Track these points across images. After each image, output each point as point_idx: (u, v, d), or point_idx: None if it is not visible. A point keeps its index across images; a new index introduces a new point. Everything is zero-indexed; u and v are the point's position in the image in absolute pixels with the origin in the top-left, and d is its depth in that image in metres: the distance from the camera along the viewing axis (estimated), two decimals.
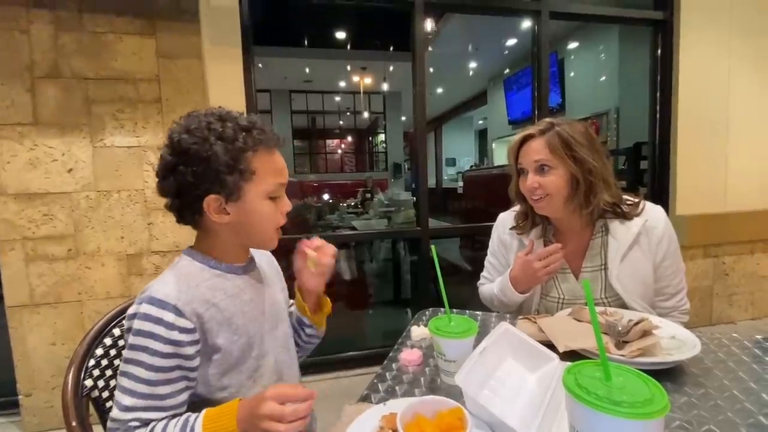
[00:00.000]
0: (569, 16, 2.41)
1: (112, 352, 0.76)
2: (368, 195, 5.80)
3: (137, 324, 0.59)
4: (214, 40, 1.81)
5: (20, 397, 1.67)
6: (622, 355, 0.68)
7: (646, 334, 0.73)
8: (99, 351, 0.74)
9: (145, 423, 0.58)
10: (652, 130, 2.57)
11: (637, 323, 0.74)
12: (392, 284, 3.57)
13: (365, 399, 0.67)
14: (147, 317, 0.58)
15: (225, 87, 1.84)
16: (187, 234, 1.76)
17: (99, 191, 1.68)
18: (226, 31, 1.84)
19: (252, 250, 0.77)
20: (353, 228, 3.83)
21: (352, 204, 5.65)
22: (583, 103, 5.03)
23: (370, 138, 11.89)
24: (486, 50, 5.85)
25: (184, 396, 0.62)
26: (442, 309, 0.93)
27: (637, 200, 0.97)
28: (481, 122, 10.01)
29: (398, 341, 0.90)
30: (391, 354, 0.83)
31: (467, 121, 10.78)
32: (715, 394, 0.62)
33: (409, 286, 3.31)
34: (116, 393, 0.59)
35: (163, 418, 0.59)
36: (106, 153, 1.68)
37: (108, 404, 0.72)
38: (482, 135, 9.96)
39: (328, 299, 0.86)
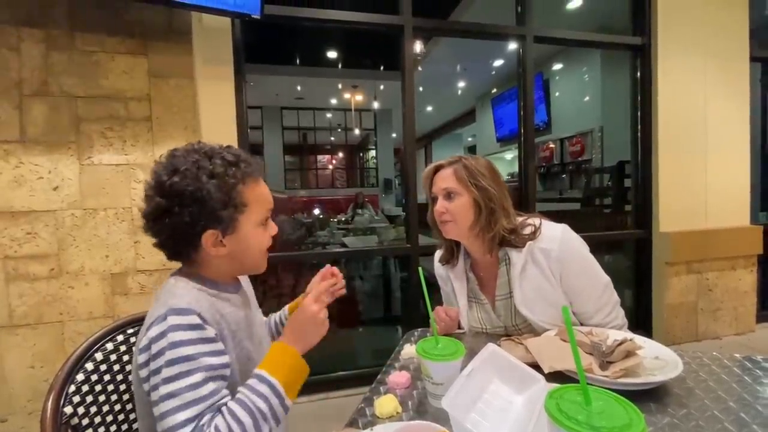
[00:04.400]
0: (553, 40, 2.51)
1: (94, 377, 0.74)
2: (359, 210, 5.82)
3: (170, 337, 0.58)
4: (206, 60, 1.84)
5: None
6: (606, 376, 0.69)
7: (629, 354, 0.74)
8: (80, 376, 0.72)
9: (212, 418, 0.57)
10: (634, 150, 2.66)
11: (620, 344, 0.75)
12: (382, 301, 3.55)
13: (352, 424, 0.66)
14: (179, 327, 0.59)
15: (216, 106, 1.86)
16: None
17: (85, 209, 1.66)
18: (218, 51, 1.87)
19: None
20: (344, 245, 3.83)
21: (343, 219, 5.64)
22: (568, 122, 5.17)
23: (361, 154, 11.98)
24: (474, 70, 6.01)
25: (226, 390, 0.62)
26: (430, 329, 0.93)
27: (537, 224, 0.98)
28: (470, 139, 10.18)
29: (387, 363, 0.89)
30: (379, 377, 0.82)
31: (457, 138, 10.96)
32: (697, 414, 0.63)
33: (400, 302, 3.30)
34: (164, 422, 0.56)
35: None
36: (94, 171, 1.67)
37: None
38: (471, 151, 10.12)
39: None
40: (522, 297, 0.96)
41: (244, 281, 0.85)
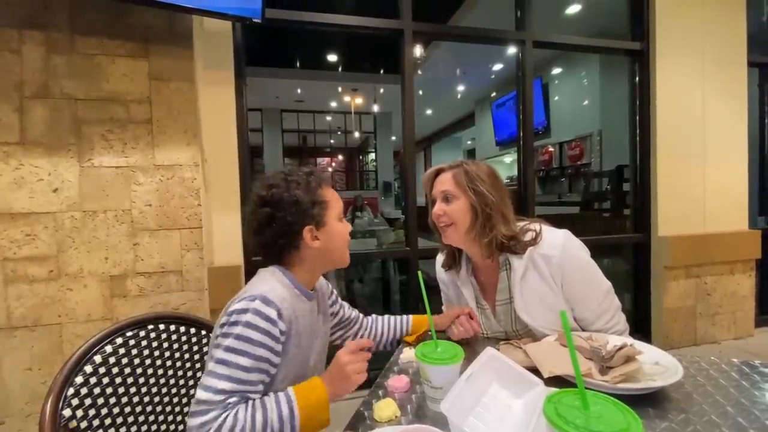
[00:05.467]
0: (552, 45, 2.53)
1: (93, 380, 0.74)
2: (358, 213, 5.82)
3: (248, 318, 0.68)
4: (207, 64, 1.84)
5: None
6: (605, 381, 0.69)
7: (629, 359, 0.74)
8: (79, 379, 0.72)
9: (239, 402, 0.66)
10: (632, 154, 2.67)
11: (620, 349, 0.75)
12: (382, 304, 3.54)
13: (351, 428, 0.66)
14: (259, 313, 0.69)
15: (217, 109, 1.87)
16: (174, 255, 1.76)
17: (85, 211, 1.66)
18: (219, 55, 1.88)
19: None
20: None
21: None
22: (568, 125, 5.19)
23: (361, 157, 12.00)
24: (473, 74, 6.03)
25: (262, 386, 0.71)
26: (429, 333, 0.93)
27: (538, 230, 0.98)
28: (469, 142, 10.20)
29: (386, 367, 0.89)
30: (378, 380, 0.83)
31: (456, 142, 10.98)
32: (695, 419, 0.63)
33: (399, 306, 3.30)
34: (209, 378, 0.66)
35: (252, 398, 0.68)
36: (94, 173, 1.67)
37: None
38: (471, 155, 10.12)
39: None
40: (522, 303, 0.96)
41: (321, 290, 0.94)
